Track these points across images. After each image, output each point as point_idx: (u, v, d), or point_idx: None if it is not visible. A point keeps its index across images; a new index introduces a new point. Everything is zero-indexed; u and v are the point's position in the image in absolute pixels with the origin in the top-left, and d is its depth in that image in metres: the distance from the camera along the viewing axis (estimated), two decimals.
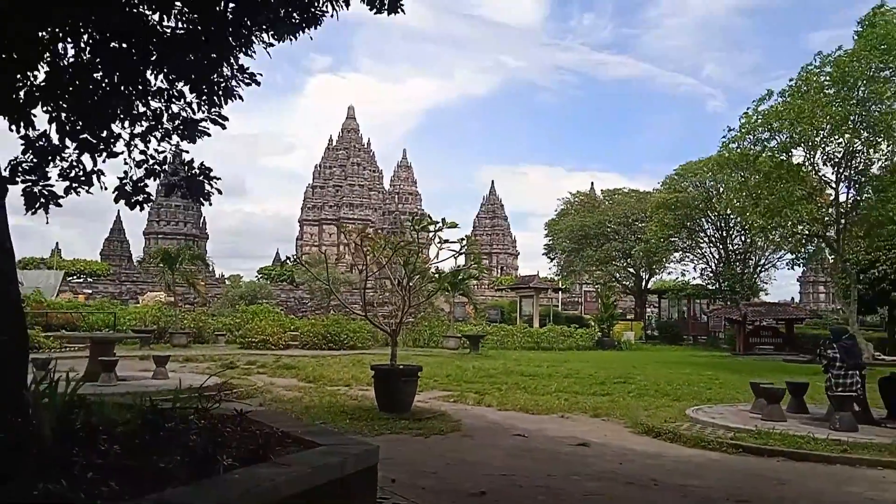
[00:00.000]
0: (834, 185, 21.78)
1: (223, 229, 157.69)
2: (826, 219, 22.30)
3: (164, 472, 3.67)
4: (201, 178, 5.15)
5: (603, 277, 47.07)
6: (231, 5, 4.92)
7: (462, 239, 11.57)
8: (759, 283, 39.47)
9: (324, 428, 5.57)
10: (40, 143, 4.84)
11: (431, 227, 10.62)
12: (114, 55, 4.76)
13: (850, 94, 20.72)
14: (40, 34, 4.60)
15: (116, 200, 4.99)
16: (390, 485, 5.77)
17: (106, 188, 5.02)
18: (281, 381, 14.81)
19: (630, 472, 6.86)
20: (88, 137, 4.91)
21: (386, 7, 5.04)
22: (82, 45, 4.79)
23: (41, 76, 4.76)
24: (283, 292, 50.09)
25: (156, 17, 4.76)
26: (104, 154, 5.00)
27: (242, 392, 12.19)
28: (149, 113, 5.11)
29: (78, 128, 4.90)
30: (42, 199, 4.75)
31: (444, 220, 10.71)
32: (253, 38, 5.09)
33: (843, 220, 21.85)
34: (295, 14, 5.07)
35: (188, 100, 5.12)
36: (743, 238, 38.45)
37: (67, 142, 4.87)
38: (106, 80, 4.84)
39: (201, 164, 5.15)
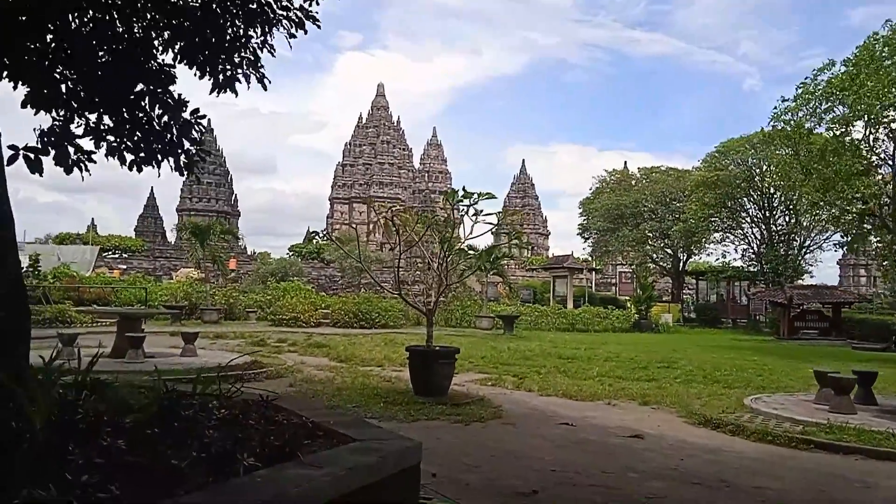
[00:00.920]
0: (893, 162, 20.54)
1: (254, 207, 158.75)
2: (884, 196, 21.08)
3: (176, 473, 3.12)
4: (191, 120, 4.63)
5: (639, 258, 46.01)
6: None
7: (499, 212, 10.92)
8: (804, 265, 38.10)
9: (358, 418, 4.99)
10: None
11: (466, 200, 9.94)
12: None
13: None
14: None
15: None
16: (430, 480, 5.20)
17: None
18: (312, 360, 14.39)
19: (693, 469, 6.20)
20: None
21: None
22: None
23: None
24: (313, 270, 49.91)
25: None
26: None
27: (272, 371, 11.75)
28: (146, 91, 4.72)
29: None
30: (76, 158, 4.32)
31: (480, 192, 10.06)
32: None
33: None
34: None
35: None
36: (787, 218, 37.13)
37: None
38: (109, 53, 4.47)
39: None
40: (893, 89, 18.96)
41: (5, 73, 4.20)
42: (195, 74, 4.97)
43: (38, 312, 19.85)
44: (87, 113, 4.56)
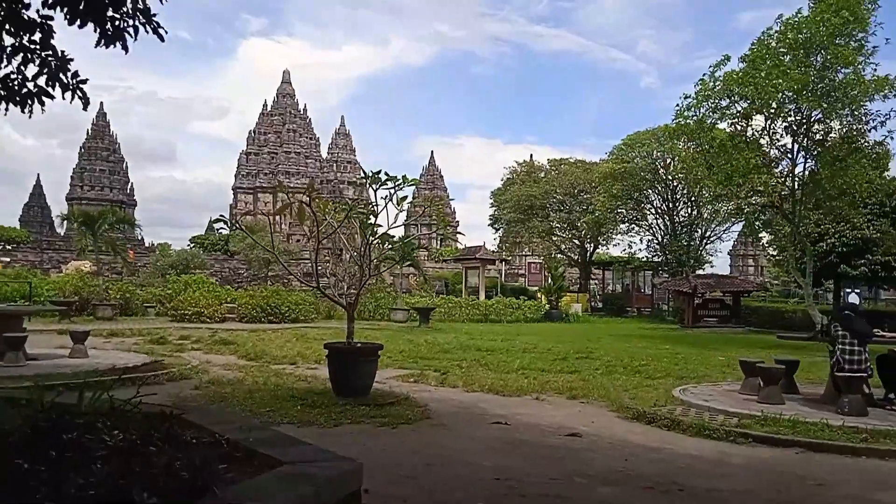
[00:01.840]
0: (791, 156, 21.33)
1: (152, 197, 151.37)
2: (783, 190, 21.88)
3: None
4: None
5: (548, 249, 46.56)
6: None
7: (421, 200, 10.33)
8: (705, 255, 39.58)
9: (280, 434, 4.31)
10: None
11: (390, 183, 9.31)
12: None
13: (808, 61, 20.21)
14: None
15: None
16: (363, 496, 4.57)
17: None
18: (218, 359, 13.39)
19: (640, 470, 5.86)
20: None
21: None
22: None
23: None
24: (217, 262, 47.81)
25: None
26: None
27: (174, 373, 10.75)
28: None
29: None
30: None
31: (404, 176, 9.45)
32: None
33: (799, 191, 21.48)
34: None
35: None
36: (689, 210, 38.40)
37: None
38: None
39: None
40: (787, 82, 19.62)
41: None
42: (78, 26, 4.15)
43: None
44: None
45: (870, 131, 20.86)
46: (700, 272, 35.92)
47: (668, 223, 38.66)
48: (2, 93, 4.28)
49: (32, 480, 2.75)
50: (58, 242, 53.16)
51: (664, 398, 9.22)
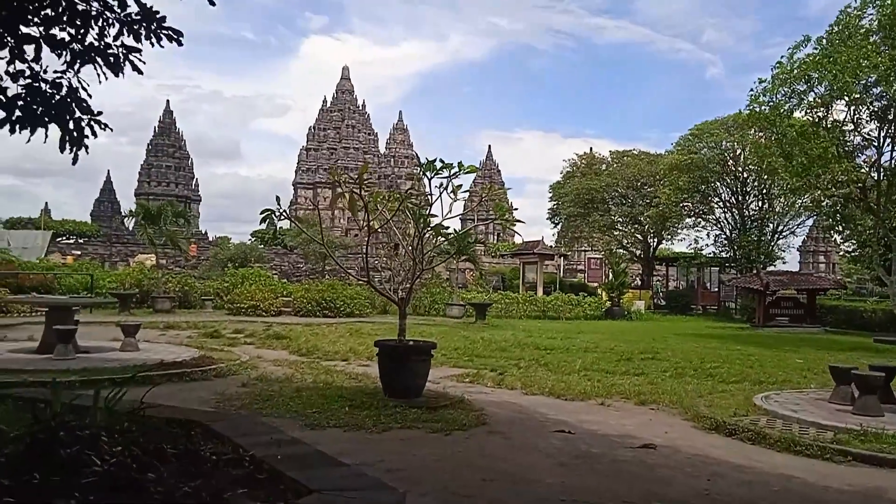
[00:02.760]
0: (878, 144, 19.84)
1: (217, 192, 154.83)
2: (867, 181, 20.40)
3: None
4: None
5: (609, 244, 45.30)
6: None
7: (477, 190, 9.72)
8: (777, 251, 37.71)
9: (313, 451, 3.77)
10: None
11: (446, 171, 8.70)
12: None
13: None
14: None
15: None
16: None
17: None
18: (270, 354, 13.10)
19: (728, 493, 5.13)
20: None
21: None
22: None
23: None
24: (277, 256, 48.20)
25: None
26: None
27: (223, 368, 10.44)
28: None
29: None
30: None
31: (460, 163, 8.81)
32: None
33: (885, 182, 19.98)
34: None
35: None
36: (760, 203, 36.63)
37: None
38: None
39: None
40: (873, 65, 18.15)
41: None
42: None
43: None
44: None
45: None
46: (771, 269, 34.23)
47: (737, 217, 36.99)
48: (98, 60, 4.14)
49: None
50: (126, 236, 54.63)
51: (744, 406, 8.37)
